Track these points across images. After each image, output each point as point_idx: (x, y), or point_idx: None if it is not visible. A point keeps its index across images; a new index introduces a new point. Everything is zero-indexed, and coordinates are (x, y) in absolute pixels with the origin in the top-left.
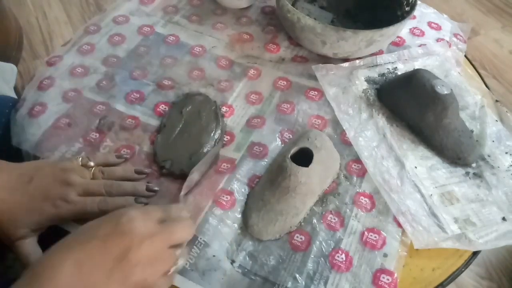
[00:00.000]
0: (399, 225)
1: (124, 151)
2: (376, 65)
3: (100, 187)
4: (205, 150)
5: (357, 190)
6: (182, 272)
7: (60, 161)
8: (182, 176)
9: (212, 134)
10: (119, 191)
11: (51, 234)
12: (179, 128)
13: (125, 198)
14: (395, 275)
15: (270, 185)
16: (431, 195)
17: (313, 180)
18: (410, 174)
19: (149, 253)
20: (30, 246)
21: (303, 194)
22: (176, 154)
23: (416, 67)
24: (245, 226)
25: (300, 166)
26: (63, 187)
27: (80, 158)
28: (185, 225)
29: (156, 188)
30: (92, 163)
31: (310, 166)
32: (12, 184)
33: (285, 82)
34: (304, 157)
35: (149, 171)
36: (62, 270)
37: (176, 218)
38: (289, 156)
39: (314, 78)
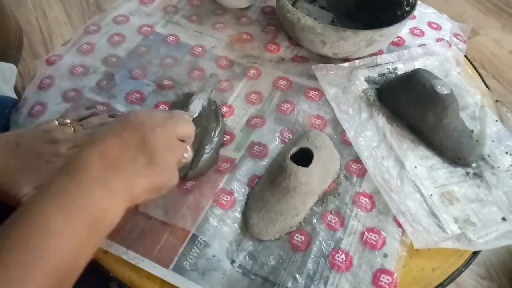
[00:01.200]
0: (399, 225)
1: None
2: (376, 65)
3: (85, 136)
4: (205, 150)
5: (357, 190)
6: (182, 272)
7: (39, 125)
8: (182, 177)
9: (212, 134)
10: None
11: None
12: None
13: None
14: (395, 275)
15: (270, 185)
16: (431, 195)
17: (313, 180)
18: (410, 174)
19: (163, 138)
20: None
21: (303, 194)
22: None
23: (416, 67)
24: (245, 226)
25: (300, 166)
26: (51, 145)
27: (56, 119)
28: (186, 121)
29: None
30: (68, 120)
31: (310, 166)
32: (0, 151)
33: (285, 82)
34: (304, 157)
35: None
36: (90, 161)
37: (176, 115)
38: (289, 156)
39: (314, 78)
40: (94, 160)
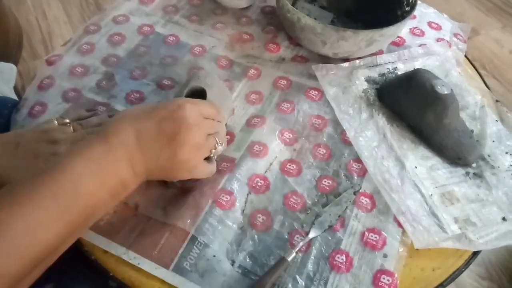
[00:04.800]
0: (400, 225)
1: None
2: (376, 65)
3: (84, 135)
4: None
5: (358, 190)
6: (182, 272)
7: (38, 125)
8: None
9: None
10: None
11: None
12: None
13: None
14: (396, 275)
15: None
16: (431, 195)
17: None
18: (410, 174)
19: (194, 139)
20: None
21: None
22: None
23: (416, 67)
24: None
25: None
26: (50, 145)
27: (55, 119)
28: (220, 125)
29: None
30: (67, 120)
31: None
32: (0, 151)
33: (285, 82)
34: (198, 97)
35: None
36: (128, 136)
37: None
38: (184, 97)
39: (314, 78)
40: (131, 138)
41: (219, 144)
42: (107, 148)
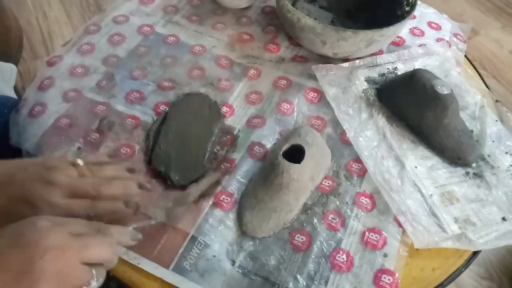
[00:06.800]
0: (400, 225)
1: (123, 149)
2: (376, 65)
3: (88, 186)
4: (206, 151)
5: (358, 190)
6: (182, 272)
7: (47, 159)
8: (182, 187)
9: (212, 134)
10: (108, 191)
11: None
12: (178, 130)
13: (115, 202)
14: (396, 275)
15: (263, 182)
16: (431, 195)
17: (305, 176)
18: (410, 174)
19: (55, 266)
20: None
21: (296, 191)
22: (175, 157)
23: (416, 67)
24: (239, 224)
25: (292, 163)
26: (46, 187)
27: (70, 156)
28: (105, 243)
29: (148, 185)
30: (80, 161)
31: (302, 162)
32: None
33: (285, 82)
34: (296, 154)
35: (143, 170)
36: None
37: (98, 235)
38: (281, 153)
39: (314, 78)
40: None
41: (94, 280)
42: None
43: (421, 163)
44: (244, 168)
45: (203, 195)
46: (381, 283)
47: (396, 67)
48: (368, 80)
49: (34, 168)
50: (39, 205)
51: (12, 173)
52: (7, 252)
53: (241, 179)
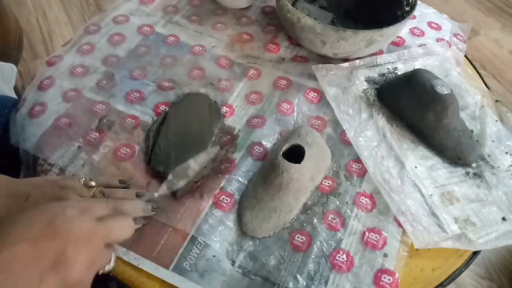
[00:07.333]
0: (400, 225)
1: (123, 149)
2: (376, 65)
3: (100, 207)
4: (206, 151)
5: (358, 190)
6: (182, 272)
7: (62, 179)
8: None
9: (212, 134)
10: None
11: None
12: (177, 130)
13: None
14: (396, 275)
15: (263, 182)
16: (431, 195)
17: (305, 176)
18: (410, 174)
19: (86, 254)
20: None
21: (296, 191)
22: (175, 157)
23: (416, 67)
24: (239, 224)
25: (292, 163)
26: None
27: (83, 178)
28: (125, 223)
29: (156, 206)
30: (93, 183)
31: (302, 162)
32: (9, 204)
33: (285, 82)
34: (296, 154)
35: (155, 196)
36: None
37: (118, 214)
38: (281, 153)
39: (314, 78)
40: None
41: (113, 260)
42: None
43: (421, 163)
44: (244, 168)
45: (201, 172)
46: (381, 283)
47: (396, 67)
48: (368, 80)
49: (49, 188)
50: None
51: (28, 192)
52: (41, 241)
53: (241, 179)
